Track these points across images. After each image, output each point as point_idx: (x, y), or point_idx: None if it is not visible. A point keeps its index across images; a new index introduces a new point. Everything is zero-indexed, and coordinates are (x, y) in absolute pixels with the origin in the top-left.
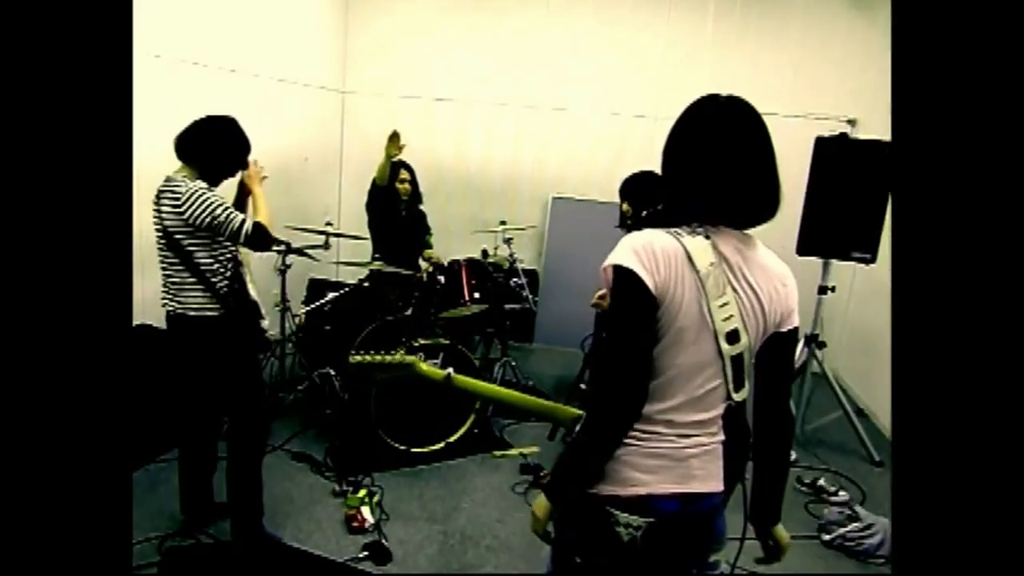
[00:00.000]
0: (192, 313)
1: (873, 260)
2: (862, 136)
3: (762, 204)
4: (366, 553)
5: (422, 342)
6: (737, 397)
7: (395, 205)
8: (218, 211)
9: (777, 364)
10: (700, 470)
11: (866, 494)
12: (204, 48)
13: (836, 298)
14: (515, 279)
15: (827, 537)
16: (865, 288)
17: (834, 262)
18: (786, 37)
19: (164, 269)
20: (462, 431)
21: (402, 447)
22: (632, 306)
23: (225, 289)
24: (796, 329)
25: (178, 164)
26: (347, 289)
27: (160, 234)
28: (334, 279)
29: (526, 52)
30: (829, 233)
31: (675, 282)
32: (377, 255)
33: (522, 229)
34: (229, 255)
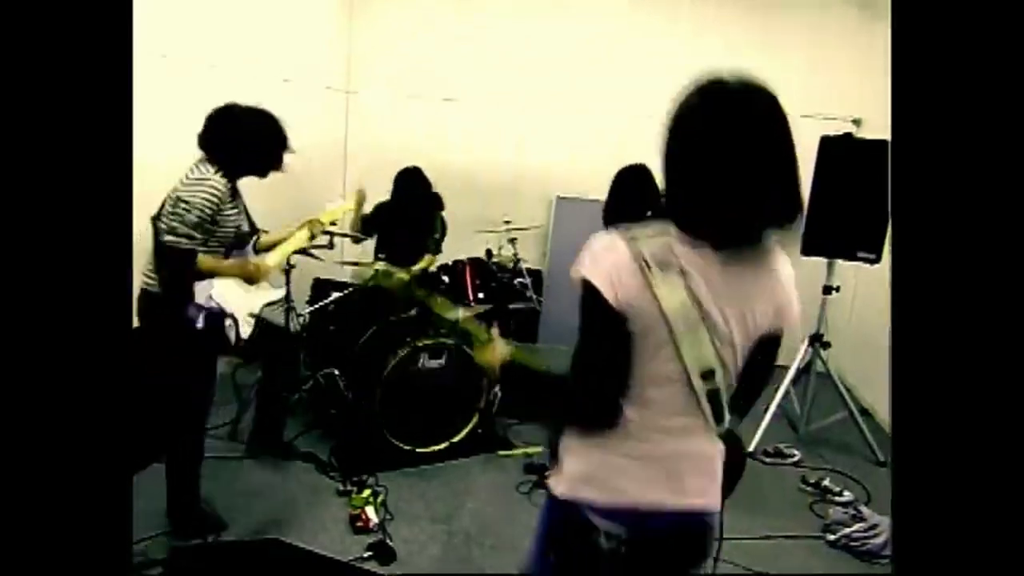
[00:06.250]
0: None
1: (878, 260)
2: (867, 136)
3: (776, 213)
4: (370, 553)
5: (426, 342)
6: (719, 430)
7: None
8: (174, 210)
9: (756, 364)
10: (694, 483)
11: (871, 494)
12: (209, 47)
13: (841, 298)
14: (519, 279)
15: (832, 537)
16: (870, 288)
17: (839, 262)
18: (792, 37)
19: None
20: (466, 431)
21: (407, 447)
22: (595, 319)
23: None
24: (781, 330)
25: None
26: (351, 289)
27: None
28: (339, 279)
29: (531, 52)
30: (834, 233)
31: (639, 300)
32: (381, 255)
33: (526, 229)
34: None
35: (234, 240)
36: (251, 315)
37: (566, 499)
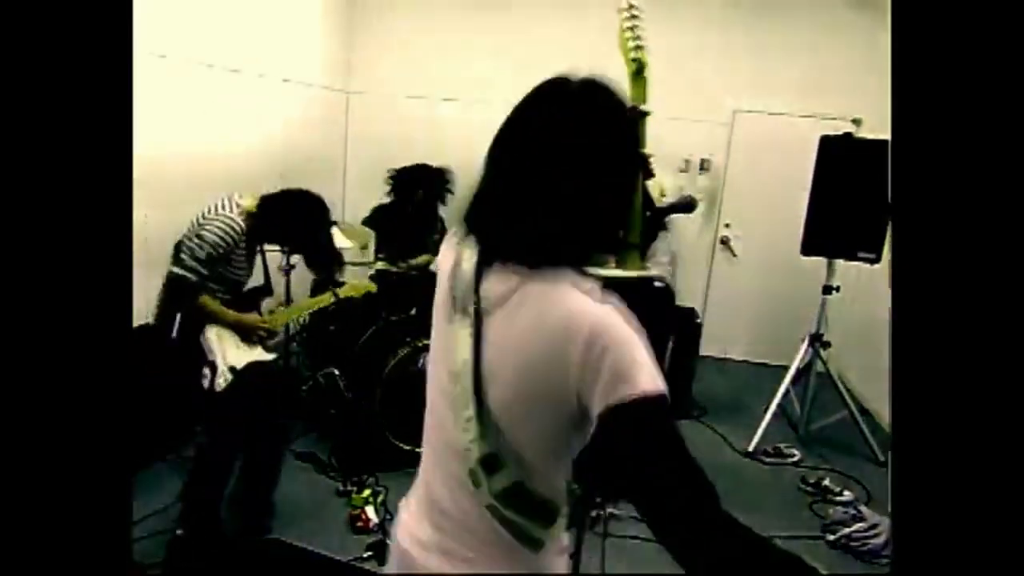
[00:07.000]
0: None
1: (878, 260)
2: (867, 136)
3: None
4: (370, 553)
5: (426, 342)
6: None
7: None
8: (188, 243)
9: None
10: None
11: (871, 494)
12: (209, 48)
13: (841, 298)
14: None
15: (832, 537)
16: (869, 288)
17: (839, 262)
18: (792, 37)
19: None
20: None
21: (407, 447)
22: None
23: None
24: (626, 407)
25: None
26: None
27: None
28: (338, 279)
29: (532, 52)
30: (834, 233)
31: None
32: (381, 255)
33: None
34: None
35: (240, 290)
36: (231, 368)
37: None
